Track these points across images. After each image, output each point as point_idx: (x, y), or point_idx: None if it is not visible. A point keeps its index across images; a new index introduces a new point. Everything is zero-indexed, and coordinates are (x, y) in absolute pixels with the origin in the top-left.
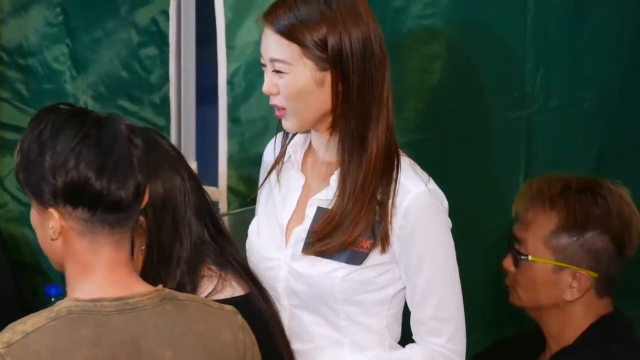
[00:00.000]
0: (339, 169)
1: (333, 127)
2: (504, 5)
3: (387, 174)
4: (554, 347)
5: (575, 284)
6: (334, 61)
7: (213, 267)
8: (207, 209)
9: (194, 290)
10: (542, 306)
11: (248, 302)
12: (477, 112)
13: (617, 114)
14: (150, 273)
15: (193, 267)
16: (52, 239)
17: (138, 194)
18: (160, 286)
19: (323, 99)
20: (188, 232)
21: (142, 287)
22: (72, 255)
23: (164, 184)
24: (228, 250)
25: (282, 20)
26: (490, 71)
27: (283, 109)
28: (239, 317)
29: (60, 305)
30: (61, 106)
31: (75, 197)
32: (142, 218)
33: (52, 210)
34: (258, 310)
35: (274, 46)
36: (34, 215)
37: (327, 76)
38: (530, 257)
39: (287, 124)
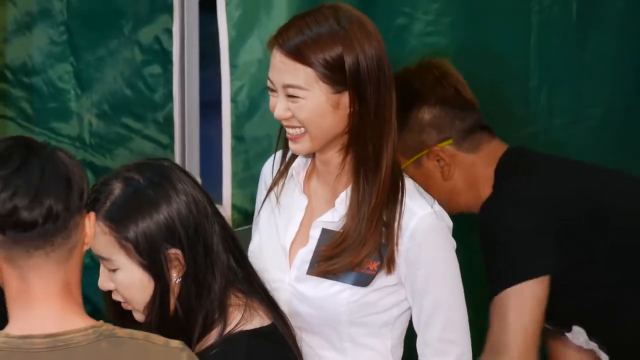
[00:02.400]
0: (348, 191)
1: (347, 148)
2: (507, 24)
3: (392, 195)
4: None
5: (442, 163)
6: (351, 81)
7: (239, 295)
8: (230, 235)
9: (224, 320)
10: (448, 197)
11: (276, 331)
12: None
13: (622, 132)
14: (185, 305)
15: (222, 296)
16: None
17: (49, 216)
18: (101, 322)
19: (338, 121)
20: (218, 260)
21: (79, 323)
22: (7, 288)
23: (194, 213)
24: (253, 276)
25: (293, 42)
26: (493, 89)
27: (299, 132)
28: (185, 354)
29: None
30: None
31: None
32: (176, 250)
33: None
34: (283, 339)
35: (287, 71)
36: None
37: (343, 98)
38: None
39: (298, 147)
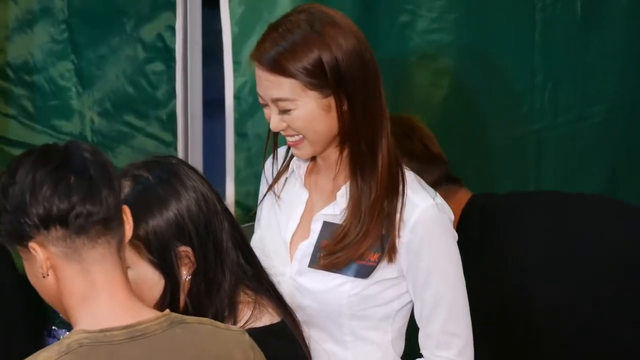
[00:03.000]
0: (347, 185)
1: (342, 146)
2: (511, 22)
3: (393, 186)
4: None
5: None
6: (334, 82)
7: (248, 292)
8: (239, 232)
9: (234, 317)
10: None
11: (286, 329)
12: (485, 127)
13: (627, 129)
14: (195, 302)
15: (232, 294)
16: (44, 277)
17: (105, 201)
18: (167, 311)
19: (332, 123)
20: (227, 257)
21: (147, 313)
22: (67, 287)
23: (204, 211)
24: (262, 273)
25: (269, 54)
26: (498, 86)
27: (297, 139)
28: (247, 337)
29: (70, 338)
30: None
31: (45, 218)
32: (187, 247)
33: (32, 244)
34: (293, 336)
35: (270, 85)
36: (25, 265)
37: (332, 100)
38: None
39: (301, 152)
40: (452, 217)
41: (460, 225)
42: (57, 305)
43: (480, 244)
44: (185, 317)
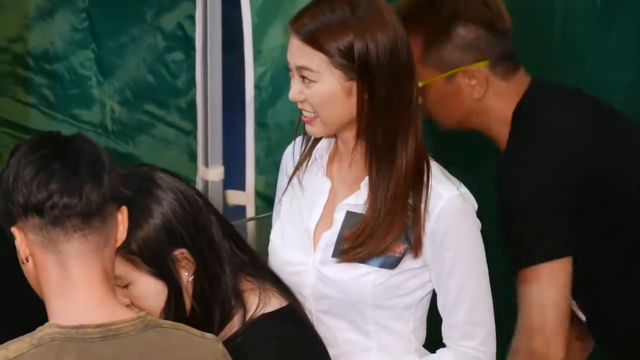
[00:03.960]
0: (368, 177)
1: (359, 136)
2: (530, 9)
3: (417, 179)
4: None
5: (474, 81)
6: (360, 70)
7: (250, 279)
8: (225, 221)
9: (242, 306)
10: (464, 118)
11: (295, 312)
12: None
13: None
14: (202, 301)
15: (234, 284)
16: (24, 263)
17: (85, 197)
18: (143, 313)
19: (351, 108)
20: (221, 249)
21: (123, 313)
22: (44, 275)
23: (187, 209)
24: (257, 259)
25: (307, 27)
26: None
27: (312, 115)
28: (220, 345)
29: (43, 332)
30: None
31: (23, 205)
32: (182, 249)
33: (14, 229)
34: (304, 318)
35: (300, 54)
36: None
37: (355, 85)
38: (420, 84)
39: (313, 129)
40: (476, 206)
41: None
42: (39, 292)
43: None
44: (161, 321)
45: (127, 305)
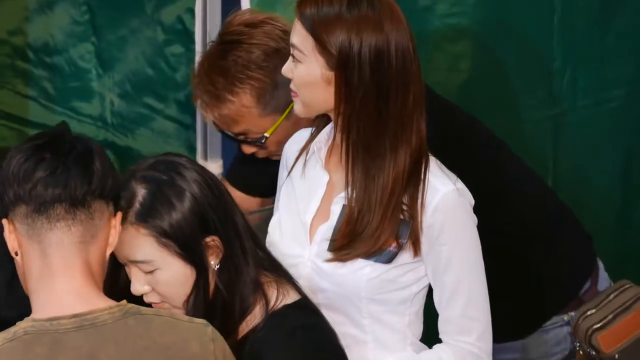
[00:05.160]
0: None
1: (339, 130)
2: (530, 5)
3: (414, 176)
4: None
5: None
6: (339, 64)
7: (266, 273)
8: (242, 214)
9: (264, 297)
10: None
11: (311, 304)
12: (503, 111)
13: None
14: (228, 288)
15: (256, 275)
16: (15, 256)
17: (71, 187)
18: (124, 302)
19: (329, 97)
20: (244, 239)
21: (102, 302)
22: (29, 268)
23: (217, 195)
24: (270, 254)
25: (306, 12)
26: (516, 70)
27: (295, 92)
28: (210, 329)
29: (18, 326)
30: None
31: (14, 193)
32: (214, 237)
33: (4, 220)
34: (317, 309)
35: (296, 33)
36: None
37: (334, 77)
38: (267, 134)
39: (296, 107)
40: (473, 201)
41: None
42: (25, 287)
43: None
44: (142, 308)
45: (147, 293)
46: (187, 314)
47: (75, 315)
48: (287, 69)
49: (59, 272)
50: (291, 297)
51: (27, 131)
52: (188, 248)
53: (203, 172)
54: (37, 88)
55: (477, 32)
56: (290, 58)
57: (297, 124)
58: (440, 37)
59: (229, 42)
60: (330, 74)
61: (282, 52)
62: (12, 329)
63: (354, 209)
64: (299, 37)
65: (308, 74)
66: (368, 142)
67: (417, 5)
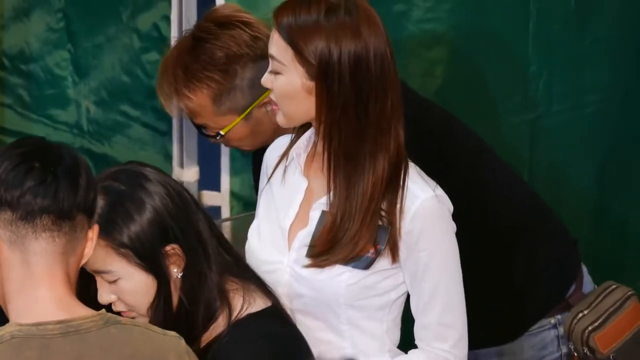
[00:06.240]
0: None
1: (321, 138)
2: (505, 10)
3: (393, 182)
4: None
5: (269, 107)
6: (319, 72)
7: (234, 279)
8: (210, 220)
9: (228, 306)
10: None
11: (279, 311)
12: (479, 116)
13: (621, 119)
14: (190, 297)
15: (220, 283)
16: None
17: (59, 198)
18: (103, 310)
19: (310, 107)
20: (208, 246)
21: (84, 311)
22: (8, 272)
23: (179, 204)
24: (240, 260)
25: (284, 21)
26: (492, 76)
27: (276, 105)
28: (183, 342)
29: (4, 331)
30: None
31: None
32: (173, 245)
33: None
34: (288, 318)
35: (274, 43)
36: None
37: (315, 87)
38: (222, 132)
39: (279, 118)
40: (452, 208)
41: None
42: (0, 292)
43: None
44: (119, 317)
45: (114, 302)
46: (150, 322)
47: (60, 322)
48: (267, 79)
49: (42, 280)
50: (257, 305)
51: (3, 139)
52: (147, 258)
53: (166, 181)
54: (12, 96)
55: (452, 38)
56: (269, 69)
57: (259, 124)
58: (416, 43)
59: (197, 38)
60: (311, 84)
61: (244, 58)
62: None
63: (335, 216)
64: (278, 48)
65: (288, 84)
66: (349, 150)
67: (392, 10)
